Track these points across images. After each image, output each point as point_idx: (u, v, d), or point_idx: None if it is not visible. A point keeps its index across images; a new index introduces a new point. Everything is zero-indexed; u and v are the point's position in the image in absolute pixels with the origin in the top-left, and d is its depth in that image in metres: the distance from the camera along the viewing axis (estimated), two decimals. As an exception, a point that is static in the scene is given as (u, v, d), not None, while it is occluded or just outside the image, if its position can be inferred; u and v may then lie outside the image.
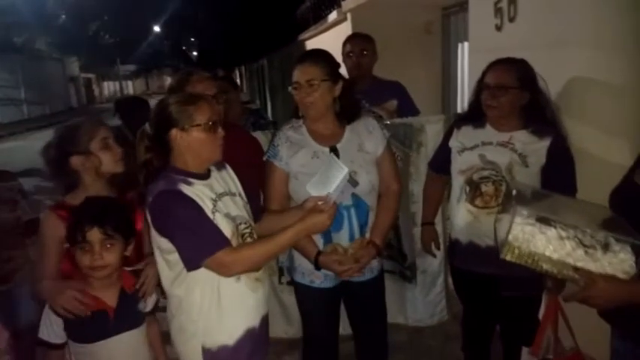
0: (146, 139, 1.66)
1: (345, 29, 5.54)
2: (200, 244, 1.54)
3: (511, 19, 2.58)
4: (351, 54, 3.10)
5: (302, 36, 9.16)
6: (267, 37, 13.78)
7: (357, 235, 2.02)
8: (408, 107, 3.10)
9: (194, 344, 1.64)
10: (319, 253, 1.98)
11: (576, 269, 1.40)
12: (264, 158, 2.10)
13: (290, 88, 2.02)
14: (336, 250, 1.99)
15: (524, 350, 2.02)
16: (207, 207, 1.58)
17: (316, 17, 7.97)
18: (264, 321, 1.78)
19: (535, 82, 2.03)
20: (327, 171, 1.70)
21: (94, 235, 1.62)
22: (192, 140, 1.60)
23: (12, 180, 2.32)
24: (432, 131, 2.73)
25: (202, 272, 1.57)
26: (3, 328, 1.43)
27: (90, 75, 36.16)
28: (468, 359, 2.50)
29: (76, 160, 1.81)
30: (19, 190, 2.33)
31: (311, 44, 8.57)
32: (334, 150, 2.00)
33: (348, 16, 5.45)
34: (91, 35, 22.93)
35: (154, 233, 1.60)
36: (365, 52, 3.09)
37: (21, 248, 2.25)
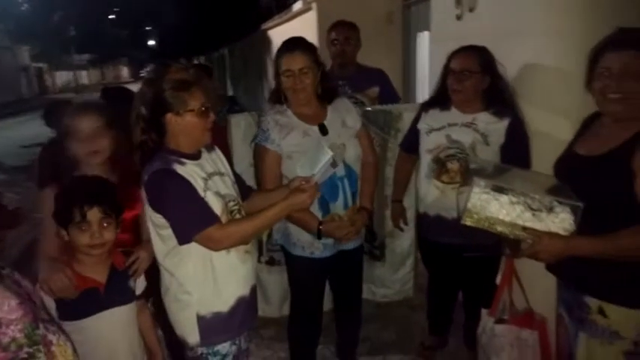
0: (142, 121, 1.72)
1: (311, 19, 5.66)
2: (191, 219, 1.65)
3: (471, 9, 2.75)
4: (335, 41, 3.20)
5: (265, 25, 9.18)
6: (229, 26, 13.65)
7: (350, 202, 2.20)
8: (389, 94, 3.24)
9: (189, 313, 1.74)
10: (321, 222, 2.12)
11: (525, 229, 1.58)
12: (255, 143, 2.22)
13: (280, 76, 2.14)
14: (333, 218, 2.16)
15: (484, 312, 2.20)
16: (199, 185, 1.68)
17: (280, 6, 8.03)
18: (253, 290, 1.89)
19: (495, 68, 2.23)
20: (315, 154, 1.83)
21: (94, 214, 1.67)
22: (186, 124, 1.69)
23: None
24: (409, 119, 2.84)
25: (194, 246, 1.67)
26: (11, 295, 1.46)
27: (42, 64, 34.79)
28: (432, 325, 2.72)
29: (72, 145, 1.88)
30: None
31: (275, 33, 8.62)
32: (322, 127, 2.16)
33: (314, 5, 5.55)
34: (44, 23, 22.05)
35: (148, 209, 1.68)
36: (349, 40, 3.20)
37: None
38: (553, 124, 2.22)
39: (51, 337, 1.18)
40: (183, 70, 2.28)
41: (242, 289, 1.81)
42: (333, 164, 1.87)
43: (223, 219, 1.69)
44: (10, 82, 26.46)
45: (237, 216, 1.77)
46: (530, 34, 2.31)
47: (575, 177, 1.65)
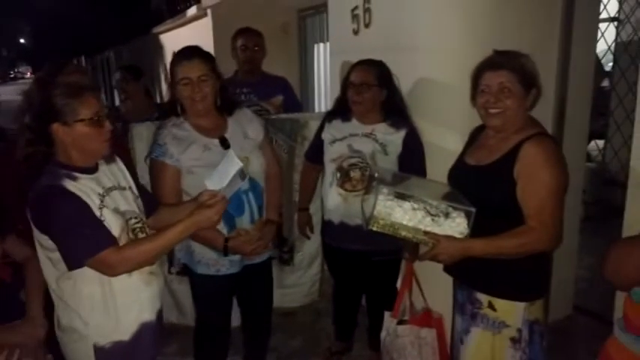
0: (27, 131, 1.54)
1: (206, 25, 5.56)
2: (82, 242, 1.49)
3: (366, 25, 2.88)
4: (244, 47, 3.17)
5: (156, 29, 8.84)
6: (115, 28, 12.91)
7: (256, 216, 2.15)
8: (292, 102, 3.29)
9: (85, 344, 1.59)
10: (227, 239, 2.05)
11: (426, 233, 1.70)
12: (150, 157, 2.08)
13: (177, 85, 2.03)
14: (240, 233, 2.09)
15: (386, 315, 2.30)
16: (94, 203, 1.53)
17: (172, 11, 7.77)
18: (160, 314, 1.76)
19: (391, 81, 2.36)
20: (224, 166, 1.73)
21: None
22: (76, 135, 1.52)
23: None
24: (315, 126, 2.87)
25: (89, 269, 1.52)
26: None
27: None
28: (338, 330, 2.79)
29: None
30: None
31: (167, 38, 8.33)
32: (224, 140, 2.07)
33: (209, 12, 5.47)
34: None
35: (35, 231, 1.53)
36: (257, 48, 3.20)
37: None
38: (443, 136, 2.40)
39: None
40: (79, 71, 2.14)
41: (146, 314, 1.67)
42: (242, 176, 1.80)
43: (123, 239, 1.56)
44: None
45: (140, 235, 1.64)
46: (422, 50, 2.48)
47: (466, 185, 1.80)
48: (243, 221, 2.11)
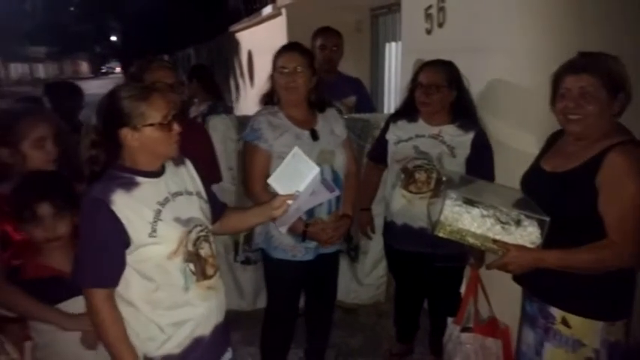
0: (93, 133, 1.52)
1: (280, 24, 5.66)
2: (88, 268, 1.48)
3: (440, 25, 2.83)
4: (323, 47, 3.22)
5: (233, 27, 9.13)
6: (196, 26, 13.47)
7: (333, 208, 2.24)
8: (365, 104, 3.31)
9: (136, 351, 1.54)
10: (307, 225, 2.16)
11: (495, 241, 1.65)
12: (244, 140, 2.24)
13: (275, 73, 2.19)
14: (317, 222, 2.19)
15: (449, 320, 2.26)
16: (145, 218, 1.47)
17: (248, 10, 7.99)
18: (218, 329, 1.68)
19: (461, 82, 2.30)
20: (294, 167, 1.72)
21: (44, 209, 1.63)
22: (145, 140, 1.48)
23: None
24: None
25: (138, 284, 1.51)
26: None
27: (-6, 55, 33.38)
28: (399, 332, 2.76)
29: (3, 152, 1.77)
30: None
31: (242, 36, 8.57)
32: (314, 132, 2.20)
33: (283, 11, 5.56)
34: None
35: None
36: (335, 48, 3.24)
37: None
38: (517, 138, 2.30)
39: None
40: (166, 67, 2.24)
41: (200, 330, 1.60)
42: (328, 185, 1.79)
43: (180, 252, 1.52)
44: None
45: (203, 244, 1.60)
46: (497, 51, 2.40)
47: (540, 192, 1.72)
48: (321, 211, 2.20)
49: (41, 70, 42.26)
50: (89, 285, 1.48)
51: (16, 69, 39.08)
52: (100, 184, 1.47)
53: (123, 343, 1.49)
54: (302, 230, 2.16)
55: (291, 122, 2.20)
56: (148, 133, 1.48)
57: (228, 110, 4.29)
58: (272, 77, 2.24)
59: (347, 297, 3.19)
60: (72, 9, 23.28)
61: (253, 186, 2.20)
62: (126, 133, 1.48)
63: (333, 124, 2.29)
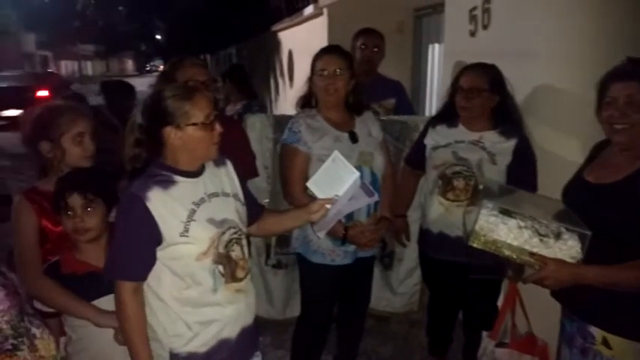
0: (137, 131, 1.56)
1: (321, 24, 5.65)
2: (119, 260, 1.52)
3: (485, 27, 2.74)
4: (364, 47, 3.18)
5: (275, 27, 9.18)
6: (238, 26, 13.65)
7: (372, 210, 2.22)
8: (405, 107, 3.25)
9: (161, 347, 1.57)
10: (346, 228, 2.14)
11: (532, 254, 1.57)
12: (283, 143, 2.24)
13: (314, 76, 2.19)
14: (356, 225, 2.17)
15: (484, 334, 2.18)
16: (179, 217, 1.49)
17: (290, 9, 8.03)
18: (246, 331, 1.67)
19: (504, 87, 2.21)
20: (333, 172, 1.70)
21: (75, 200, 1.67)
22: (187, 139, 1.51)
23: None
24: None
25: (169, 281, 1.53)
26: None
27: (47, 53, 34.77)
28: (432, 344, 2.68)
29: (44, 146, 1.81)
30: None
31: (284, 36, 8.62)
32: (353, 134, 2.19)
33: (325, 11, 5.54)
34: (52, 12, 22.10)
35: None
36: (376, 49, 3.20)
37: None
38: (561, 147, 2.22)
39: (34, 330, 1.16)
40: (198, 65, 2.25)
41: (227, 332, 1.61)
42: (367, 190, 1.77)
43: (211, 253, 1.53)
44: (13, 68, 26.46)
45: (235, 247, 1.60)
46: (543, 55, 2.30)
47: (583, 204, 1.64)
48: (360, 214, 2.18)
49: (89, 68, 43.85)
50: (117, 277, 1.52)
51: (66, 66, 40.66)
52: (139, 181, 1.51)
53: (141, 339, 1.52)
54: (342, 234, 2.14)
55: (330, 125, 2.20)
56: (190, 132, 1.50)
57: (263, 109, 4.33)
58: (310, 80, 2.24)
59: (379, 304, 3.14)
60: (120, 8, 24.00)
61: (292, 189, 2.19)
62: (169, 132, 1.50)
63: (370, 127, 2.29)
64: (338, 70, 2.14)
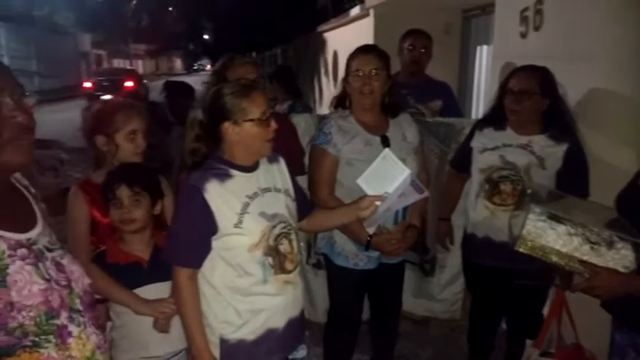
0: (197, 127, 1.66)
1: (367, 25, 5.65)
2: (178, 247, 1.62)
3: (536, 28, 2.67)
4: (412, 48, 3.16)
5: (321, 27, 9.22)
6: (284, 26, 13.79)
7: (400, 218, 2.17)
8: (452, 109, 3.20)
9: (212, 334, 1.65)
10: (371, 235, 2.10)
11: (582, 262, 1.52)
12: (313, 144, 2.22)
13: (349, 77, 2.14)
14: (382, 232, 2.13)
15: (528, 343, 2.13)
16: (233, 210, 1.57)
17: (336, 10, 8.04)
18: (293, 322, 1.72)
19: (555, 90, 2.14)
20: (384, 169, 1.72)
21: (122, 191, 1.74)
22: (244, 134, 1.59)
23: (57, 148, 2.40)
24: None
25: (222, 269, 1.61)
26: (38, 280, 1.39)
27: (101, 52, 36.16)
28: (472, 350, 2.62)
29: (100, 140, 1.89)
30: (60, 159, 2.41)
31: (329, 36, 8.65)
32: (385, 138, 2.12)
33: (371, 12, 5.54)
34: (106, 13, 23.01)
35: None
36: (423, 50, 3.17)
37: (61, 214, 2.33)
38: (615, 153, 2.14)
39: (73, 328, 1.09)
40: (248, 63, 2.29)
41: (275, 321, 1.67)
42: (417, 187, 1.76)
43: (262, 246, 1.60)
44: (70, 67, 27.62)
45: (284, 241, 1.66)
46: (598, 59, 2.23)
47: (637, 213, 1.57)
48: (388, 221, 2.13)
49: (140, 66, 45.25)
50: (176, 263, 1.61)
51: (119, 64, 42.17)
52: (198, 173, 1.60)
53: (197, 321, 1.61)
54: (366, 240, 2.11)
55: (362, 127, 2.15)
56: (247, 128, 1.58)
57: (308, 109, 4.37)
58: (345, 80, 2.19)
59: (417, 310, 3.11)
60: (170, 9, 24.69)
61: (319, 191, 2.16)
62: (227, 127, 1.59)
63: (405, 130, 2.23)
64: (374, 71, 2.09)
